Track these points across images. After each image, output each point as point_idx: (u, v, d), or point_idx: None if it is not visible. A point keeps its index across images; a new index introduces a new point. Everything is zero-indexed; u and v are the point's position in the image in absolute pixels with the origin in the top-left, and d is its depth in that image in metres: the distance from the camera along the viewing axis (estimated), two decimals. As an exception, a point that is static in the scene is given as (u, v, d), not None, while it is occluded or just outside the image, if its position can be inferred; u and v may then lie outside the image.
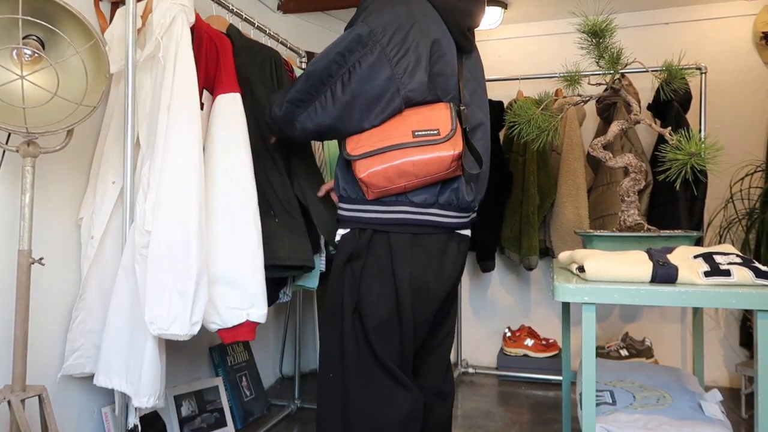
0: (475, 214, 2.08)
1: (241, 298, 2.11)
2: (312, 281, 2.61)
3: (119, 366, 2.02)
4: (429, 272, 1.90)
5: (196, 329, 1.95)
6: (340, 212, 1.98)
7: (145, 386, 1.96)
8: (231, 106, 2.18)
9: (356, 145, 1.86)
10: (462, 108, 1.87)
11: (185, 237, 1.93)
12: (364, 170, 1.82)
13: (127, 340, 2.02)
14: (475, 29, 2.10)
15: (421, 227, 1.89)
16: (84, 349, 2.19)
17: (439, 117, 1.82)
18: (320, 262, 2.59)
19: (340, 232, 1.98)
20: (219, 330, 2.12)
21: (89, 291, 2.19)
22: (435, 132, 1.79)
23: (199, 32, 2.18)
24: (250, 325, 2.15)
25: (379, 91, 1.81)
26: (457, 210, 1.93)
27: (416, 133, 1.79)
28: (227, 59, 2.22)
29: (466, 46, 2.00)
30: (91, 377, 2.29)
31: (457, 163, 1.80)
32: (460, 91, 1.94)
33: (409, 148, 1.78)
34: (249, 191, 2.16)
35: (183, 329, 1.92)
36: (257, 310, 2.13)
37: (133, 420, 2.11)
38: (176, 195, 1.94)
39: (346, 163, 1.92)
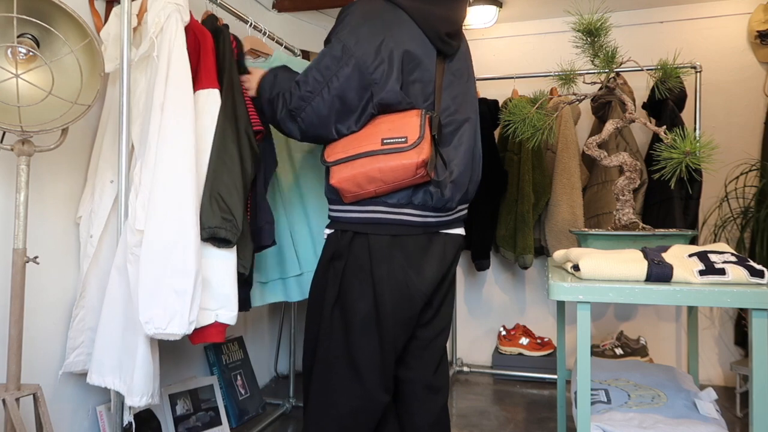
0: (462, 212, 2.13)
1: (212, 298, 2.08)
2: (279, 291, 2.61)
3: (112, 364, 2.02)
4: (409, 272, 1.97)
5: (192, 328, 1.95)
6: (329, 213, 2.09)
7: (137, 385, 1.95)
8: (207, 102, 2.15)
9: (332, 152, 1.98)
10: (434, 114, 1.93)
11: (182, 235, 1.93)
12: (335, 176, 1.94)
13: (120, 339, 2.02)
14: (463, 30, 2.17)
15: (399, 227, 1.96)
16: (84, 347, 2.20)
17: (408, 124, 1.89)
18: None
19: (326, 232, 2.10)
20: None
21: (89, 289, 2.19)
22: (403, 140, 1.86)
23: (187, 29, 2.16)
24: (218, 327, 2.11)
25: (356, 101, 1.92)
26: (434, 210, 1.99)
27: (385, 141, 1.88)
28: (208, 54, 2.20)
29: (447, 50, 2.05)
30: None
31: (423, 170, 1.85)
32: (436, 97, 2.00)
33: (378, 155, 1.87)
34: None
35: (181, 328, 1.91)
36: (227, 311, 2.10)
37: (128, 418, 2.10)
38: (171, 193, 1.94)
39: (326, 169, 2.03)
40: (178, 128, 1.98)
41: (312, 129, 1.99)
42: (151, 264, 1.92)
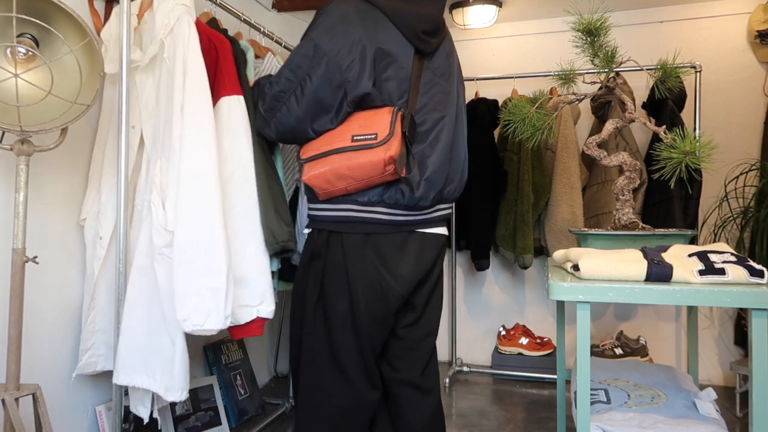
0: (443, 212, 2.11)
1: (252, 295, 2.17)
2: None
3: (138, 364, 2.04)
4: (381, 270, 1.97)
5: (228, 323, 2.01)
6: (308, 212, 2.10)
7: (178, 381, 2.00)
8: (235, 109, 2.19)
9: (306, 149, 1.99)
10: (406, 112, 1.92)
11: (212, 235, 1.98)
12: (306, 173, 1.95)
13: (145, 339, 2.04)
14: (447, 28, 2.17)
15: (372, 226, 1.97)
16: (95, 348, 2.22)
17: (379, 121, 1.89)
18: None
19: (305, 231, 2.11)
20: (230, 327, 2.18)
21: (99, 291, 2.20)
22: (372, 136, 1.86)
23: (198, 32, 2.17)
24: (259, 322, 2.22)
25: (330, 100, 1.92)
26: (406, 209, 1.98)
27: (355, 138, 1.89)
28: (228, 61, 2.22)
29: (425, 48, 2.04)
30: (87, 376, 2.29)
31: (392, 166, 1.85)
32: (410, 95, 1.99)
33: (348, 152, 1.88)
34: (254, 193, 2.22)
35: (218, 324, 1.97)
36: (266, 306, 2.21)
37: (155, 413, 2.18)
38: (197, 194, 1.99)
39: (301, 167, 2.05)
40: (199, 128, 2.02)
41: (289, 130, 2.01)
42: (182, 264, 1.96)
